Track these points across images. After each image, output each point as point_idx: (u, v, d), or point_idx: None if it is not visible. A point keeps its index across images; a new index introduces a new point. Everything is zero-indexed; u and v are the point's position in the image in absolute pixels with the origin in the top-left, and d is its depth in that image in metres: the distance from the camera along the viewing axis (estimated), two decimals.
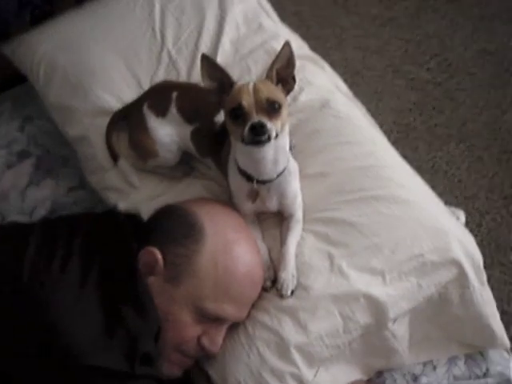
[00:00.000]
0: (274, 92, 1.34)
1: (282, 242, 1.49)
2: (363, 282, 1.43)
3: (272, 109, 1.32)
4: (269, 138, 1.30)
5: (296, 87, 1.66)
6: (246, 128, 1.29)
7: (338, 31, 2.81)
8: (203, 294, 1.37)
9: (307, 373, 1.40)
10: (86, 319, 1.26)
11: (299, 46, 1.84)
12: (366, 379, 1.52)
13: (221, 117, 1.52)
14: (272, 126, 1.30)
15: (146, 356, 1.28)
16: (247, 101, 1.31)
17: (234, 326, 1.45)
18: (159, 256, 1.38)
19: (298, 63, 1.72)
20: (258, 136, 1.29)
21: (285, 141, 1.41)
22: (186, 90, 1.62)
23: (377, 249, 1.46)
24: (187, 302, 1.37)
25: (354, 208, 1.51)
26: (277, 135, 1.32)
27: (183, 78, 1.78)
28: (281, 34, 1.85)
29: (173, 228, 1.42)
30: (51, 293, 1.28)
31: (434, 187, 1.67)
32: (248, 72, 1.76)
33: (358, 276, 1.44)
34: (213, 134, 1.55)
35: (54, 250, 1.36)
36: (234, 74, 1.72)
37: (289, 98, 1.65)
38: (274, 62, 1.35)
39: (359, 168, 1.57)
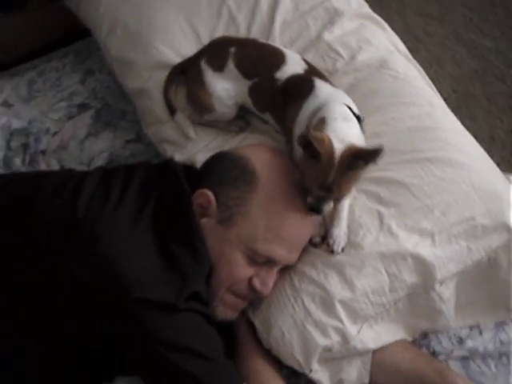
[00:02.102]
0: (350, 187, 1.36)
1: None
2: (412, 242, 1.43)
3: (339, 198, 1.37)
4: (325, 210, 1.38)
5: (354, 46, 1.68)
6: (308, 198, 1.37)
7: None
8: (255, 236, 1.38)
9: (351, 328, 1.41)
10: (138, 254, 1.29)
11: (360, 5, 1.83)
12: (410, 340, 1.52)
13: (282, 73, 1.53)
14: (330, 203, 1.37)
15: (196, 294, 1.30)
16: (316, 191, 1.34)
17: (281, 279, 1.46)
18: (212, 197, 1.40)
19: (357, 22, 1.75)
20: (313, 210, 1.37)
21: None
22: (244, 45, 1.63)
23: (428, 210, 1.45)
24: (239, 243, 1.39)
25: (408, 169, 1.50)
26: None
27: (242, 34, 1.78)
28: None
29: (224, 171, 1.44)
30: (104, 227, 1.31)
31: (491, 157, 1.64)
32: (307, 29, 1.75)
33: (407, 236, 1.44)
34: (273, 89, 1.54)
35: (109, 191, 1.39)
36: (293, 30, 1.75)
37: (347, 58, 1.68)
38: (360, 154, 1.30)
39: (415, 129, 1.55)
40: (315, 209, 1.37)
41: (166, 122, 1.73)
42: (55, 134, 1.93)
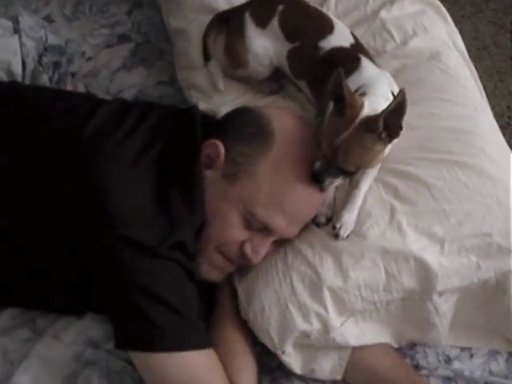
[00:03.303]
0: (359, 155, 1.26)
1: (355, 184, 1.40)
2: (419, 245, 1.35)
3: (342, 172, 1.29)
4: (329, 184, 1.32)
5: (410, 30, 1.59)
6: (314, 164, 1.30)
7: (477, 1, 2.64)
8: (256, 198, 1.33)
9: (334, 318, 1.34)
10: (133, 190, 1.26)
11: None
12: (395, 346, 1.44)
13: (326, 42, 1.45)
14: (332, 182, 1.31)
15: (181, 244, 1.26)
16: (325, 150, 1.27)
17: (275, 251, 1.40)
18: (222, 150, 1.36)
19: (419, 6, 1.65)
20: (316, 177, 1.31)
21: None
22: (293, 6, 1.55)
23: (444, 215, 1.37)
24: (239, 202, 1.33)
25: (433, 168, 1.41)
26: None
27: None
28: None
29: (242, 126, 1.39)
30: (105, 155, 1.28)
31: None
32: (365, 4, 1.68)
33: (416, 237, 1.35)
34: (314, 58, 1.47)
35: (121, 123, 1.37)
36: (350, 2, 1.67)
37: (399, 42, 1.59)
38: (383, 111, 1.22)
39: (452, 129, 1.46)
40: (318, 177, 1.30)
41: (198, 68, 1.68)
42: (89, 59, 1.90)
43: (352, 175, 1.32)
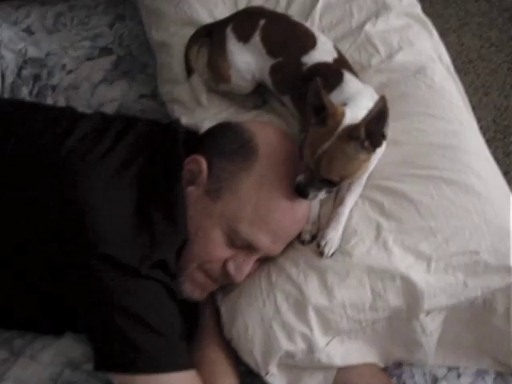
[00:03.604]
0: (342, 166, 1.24)
1: (340, 200, 1.38)
2: (405, 263, 1.32)
3: (326, 184, 1.27)
4: (314, 197, 1.30)
5: (395, 44, 1.57)
6: (297, 177, 1.28)
7: (462, 14, 2.64)
8: (240, 216, 1.30)
9: (319, 338, 1.31)
10: (113, 208, 1.23)
11: (412, 4, 1.70)
12: (381, 366, 1.41)
13: (309, 58, 1.43)
14: (316, 195, 1.29)
15: (162, 263, 1.23)
16: (308, 160, 1.25)
17: (259, 269, 1.38)
18: (204, 166, 1.33)
19: (404, 20, 1.63)
20: (299, 190, 1.29)
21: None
22: (276, 20, 1.52)
23: (430, 233, 1.34)
24: (222, 219, 1.31)
25: (420, 184, 1.38)
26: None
27: (281, 8, 1.68)
28: None
29: (225, 142, 1.37)
30: (84, 172, 1.25)
31: None
32: (350, 17, 1.64)
33: (402, 255, 1.33)
34: (297, 73, 1.44)
35: (101, 138, 1.34)
36: (335, 15, 1.65)
37: (384, 56, 1.57)
38: (365, 118, 1.20)
39: (438, 145, 1.43)
40: (302, 190, 1.27)
41: (181, 82, 1.64)
42: (70, 71, 1.86)
43: (336, 186, 1.30)
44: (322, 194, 1.29)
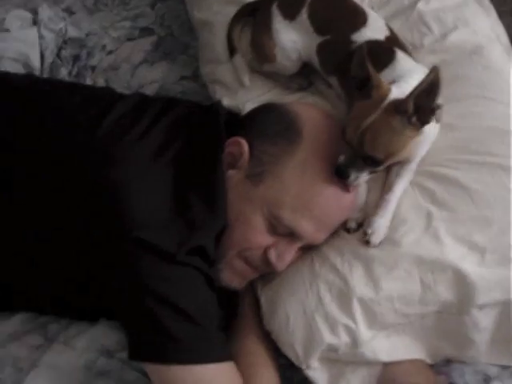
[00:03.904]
0: (387, 142, 1.17)
1: (388, 186, 1.32)
2: (457, 254, 1.25)
3: (370, 162, 1.20)
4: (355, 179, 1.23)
5: (450, 23, 1.49)
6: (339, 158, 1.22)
7: None
8: (282, 201, 1.24)
9: (364, 332, 1.25)
10: (150, 190, 1.19)
11: None
12: (429, 363, 1.34)
13: (359, 35, 1.36)
14: (358, 177, 1.22)
15: (200, 249, 1.18)
16: (350, 137, 1.19)
17: (301, 258, 1.32)
18: (246, 148, 1.28)
19: None
20: (340, 172, 1.22)
21: None
22: None
23: (485, 223, 1.27)
24: (263, 204, 1.25)
25: (475, 171, 1.32)
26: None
27: None
28: None
29: (268, 123, 1.31)
30: (120, 152, 1.22)
31: None
32: None
33: (454, 246, 1.26)
34: (346, 52, 1.37)
35: (139, 119, 1.30)
36: None
37: (437, 35, 1.49)
38: (415, 89, 1.13)
39: (495, 130, 1.36)
40: (342, 171, 1.21)
41: (223, 62, 1.60)
42: (110, 52, 1.86)
43: (379, 167, 1.22)
44: (365, 176, 1.23)
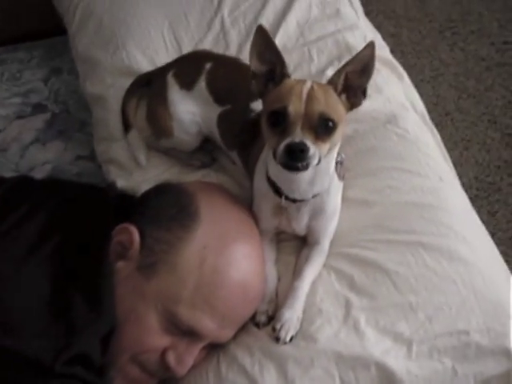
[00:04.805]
0: (334, 105, 1.07)
1: (297, 273, 1.23)
2: (381, 348, 1.16)
3: (323, 128, 1.05)
4: (307, 166, 1.03)
5: None
6: (282, 145, 1.03)
7: (437, 64, 2.53)
8: (179, 296, 1.11)
9: None
10: (22, 290, 1.05)
11: (379, 46, 1.56)
12: None
13: (258, 104, 1.26)
14: (316, 152, 1.04)
15: (83, 357, 1.03)
16: (295, 107, 1.04)
17: (206, 359, 1.17)
18: (136, 236, 1.14)
19: None
20: (295, 161, 1.03)
21: (329, 163, 1.15)
22: (222, 64, 1.39)
23: (410, 310, 1.19)
24: (157, 301, 1.11)
25: (395, 252, 1.24)
26: (319, 160, 1.05)
27: (232, 52, 1.56)
28: (360, 26, 1.61)
29: (161, 207, 1.19)
30: None
31: (507, 262, 1.35)
32: (309, 61, 1.53)
33: (377, 338, 1.17)
34: (246, 122, 1.29)
35: (20, 202, 1.17)
36: (292, 60, 1.50)
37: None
38: (347, 64, 1.07)
39: (414, 204, 1.30)
40: (298, 146, 1.03)
41: (118, 139, 1.50)
42: None
43: (331, 135, 1.07)
44: (314, 160, 1.05)
